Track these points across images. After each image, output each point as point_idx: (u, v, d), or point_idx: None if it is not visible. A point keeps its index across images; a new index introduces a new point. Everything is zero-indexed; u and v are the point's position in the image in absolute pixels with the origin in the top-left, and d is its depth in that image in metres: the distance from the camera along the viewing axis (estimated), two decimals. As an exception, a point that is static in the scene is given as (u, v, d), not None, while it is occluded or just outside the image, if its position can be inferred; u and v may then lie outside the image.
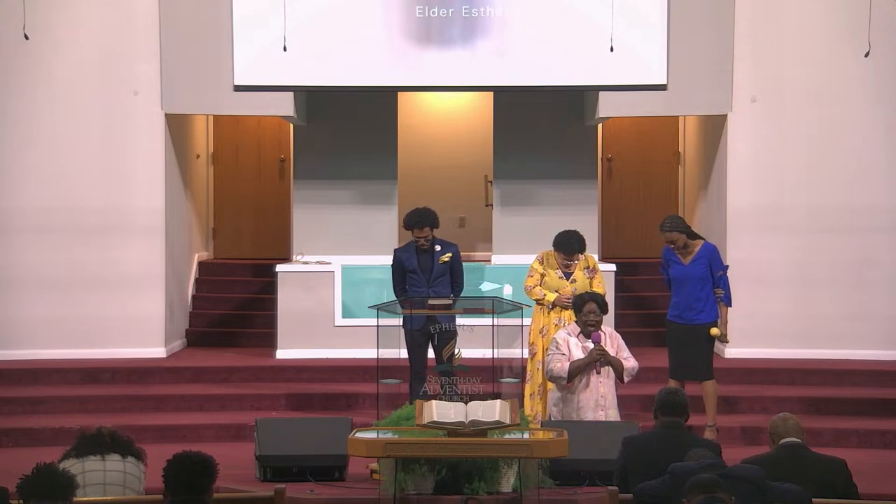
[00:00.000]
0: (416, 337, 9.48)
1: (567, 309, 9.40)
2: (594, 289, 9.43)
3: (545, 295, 9.48)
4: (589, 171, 12.46)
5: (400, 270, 9.73)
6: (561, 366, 8.54)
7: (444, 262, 9.66)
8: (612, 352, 8.63)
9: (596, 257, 11.94)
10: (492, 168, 12.59)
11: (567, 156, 12.35)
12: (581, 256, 9.55)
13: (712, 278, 9.44)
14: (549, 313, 9.50)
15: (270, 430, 8.52)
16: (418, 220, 9.62)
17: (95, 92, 11.40)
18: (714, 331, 9.39)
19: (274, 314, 11.79)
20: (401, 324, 9.41)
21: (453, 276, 9.73)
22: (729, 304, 9.54)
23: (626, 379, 8.68)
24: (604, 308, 8.69)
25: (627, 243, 13.73)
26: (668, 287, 9.68)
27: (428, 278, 9.64)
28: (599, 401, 8.61)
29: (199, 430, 9.88)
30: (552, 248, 9.57)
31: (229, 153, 14.06)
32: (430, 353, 9.54)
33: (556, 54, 11.12)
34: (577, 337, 8.67)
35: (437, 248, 9.68)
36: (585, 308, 8.63)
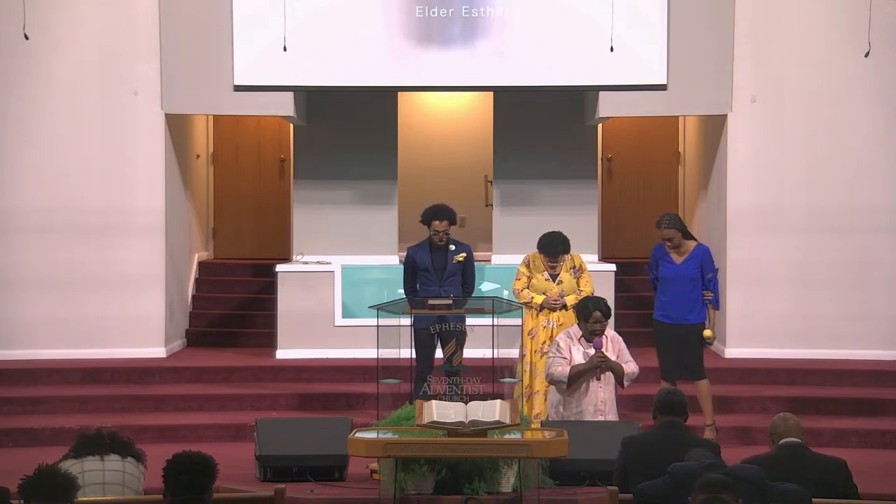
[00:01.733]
0: (422, 337, 9.46)
1: (555, 311, 9.40)
2: (581, 288, 9.43)
3: (533, 298, 9.47)
4: (589, 171, 12.47)
5: (412, 268, 9.72)
6: (562, 370, 8.53)
7: (458, 261, 9.65)
8: (613, 356, 8.61)
9: (596, 257, 11.98)
10: (492, 168, 12.59)
11: (567, 156, 12.35)
12: (566, 257, 9.54)
13: (702, 280, 9.45)
14: (537, 315, 9.48)
15: (270, 430, 8.52)
16: (437, 212, 9.60)
17: (95, 92, 11.40)
18: (708, 332, 9.40)
19: (274, 314, 11.79)
20: (410, 323, 9.36)
21: (465, 276, 9.73)
22: (717, 307, 9.58)
23: (625, 384, 8.68)
24: (607, 315, 8.68)
25: (627, 243, 13.73)
26: (652, 287, 9.69)
27: (440, 277, 9.63)
28: (599, 406, 8.60)
29: (199, 430, 9.88)
30: (537, 251, 9.58)
31: (229, 153, 14.07)
32: (439, 353, 9.51)
33: (556, 54, 11.12)
34: (579, 341, 8.66)
35: (452, 247, 9.67)
36: (592, 317, 8.60)
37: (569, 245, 9.52)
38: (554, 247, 9.46)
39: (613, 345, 8.69)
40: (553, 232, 9.54)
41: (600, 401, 8.60)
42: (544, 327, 9.37)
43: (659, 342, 9.60)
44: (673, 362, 9.47)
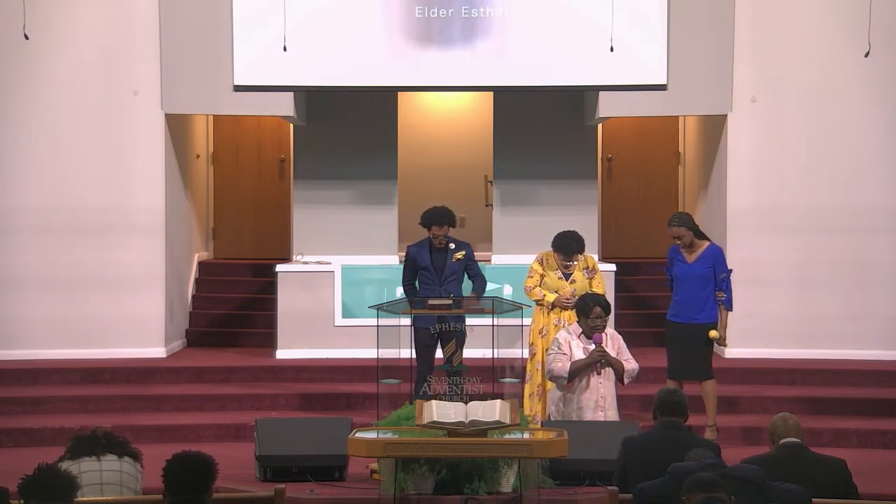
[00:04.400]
0: (422, 337, 9.46)
1: (567, 309, 9.40)
2: (594, 289, 9.42)
3: (545, 295, 9.47)
4: (589, 171, 12.47)
5: (412, 267, 9.71)
6: (562, 366, 8.56)
7: (458, 259, 9.65)
8: (613, 353, 8.64)
9: (596, 257, 11.97)
10: (492, 168, 12.59)
11: (567, 156, 12.35)
12: (580, 257, 9.55)
13: (715, 280, 9.43)
14: (548, 314, 9.49)
15: (270, 430, 8.52)
16: (438, 217, 9.60)
17: (95, 92, 11.40)
18: (713, 333, 9.35)
19: (274, 314, 11.79)
20: (410, 323, 9.36)
21: (472, 274, 9.71)
22: (730, 308, 9.51)
23: (626, 381, 8.70)
24: (608, 311, 8.71)
25: (627, 243, 13.73)
26: (670, 287, 9.68)
27: (440, 277, 9.63)
28: (599, 402, 8.63)
29: (199, 430, 9.87)
30: (551, 249, 9.58)
31: (229, 153, 14.06)
32: (439, 353, 9.51)
33: (556, 54, 11.12)
34: (579, 337, 8.69)
35: (451, 246, 9.67)
36: (593, 313, 8.63)
37: (583, 245, 9.52)
38: (569, 246, 9.46)
39: (613, 342, 8.72)
40: (568, 231, 9.54)
41: (600, 396, 8.62)
42: (556, 325, 9.37)
43: (668, 341, 9.58)
44: (681, 361, 9.45)
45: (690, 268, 9.44)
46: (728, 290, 9.45)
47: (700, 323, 9.38)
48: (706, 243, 9.54)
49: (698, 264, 9.44)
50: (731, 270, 9.59)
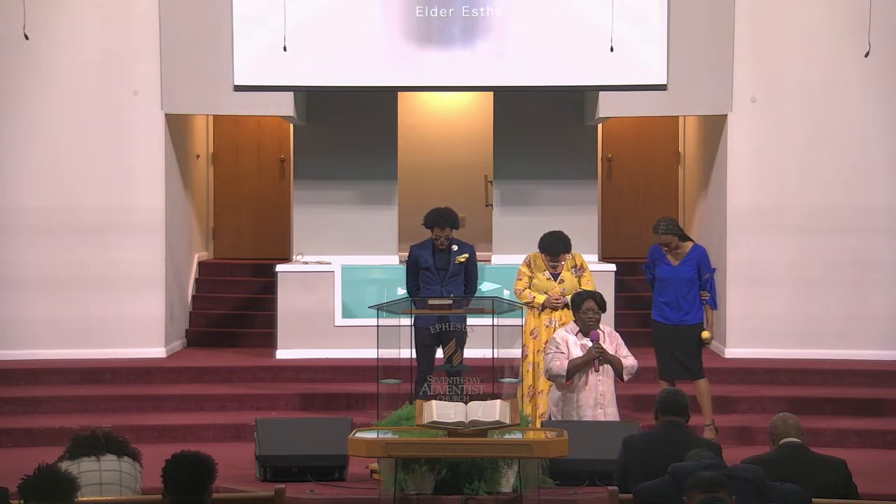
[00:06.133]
0: (424, 336, 9.47)
1: (556, 310, 9.41)
2: (583, 287, 9.43)
3: (534, 297, 9.47)
4: (589, 171, 12.47)
5: (415, 267, 9.72)
6: (560, 364, 8.55)
7: (461, 262, 9.66)
8: (611, 350, 8.64)
9: (595, 257, 11.99)
10: (492, 168, 12.59)
11: (567, 156, 12.35)
12: (567, 256, 9.55)
13: (699, 280, 9.47)
14: (539, 315, 9.49)
15: (270, 430, 8.52)
16: (440, 219, 9.61)
17: (95, 92, 11.40)
18: (706, 334, 9.43)
19: (274, 314, 11.79)
20: (411, 323, 9.37)
21: (468, 276, 9.74)
22: (714, 306, 9.60)
23: (625, 377, 8.68)
24: (602, 306, 8.71)
25: (627, 243, 13.73)
26: (651, 285, 9.71)
27: (443, 277, 9.64)
28: (599, 399, 8.62)
29: (199, 430, 9.88)
30: (538, 250, 9.59)
31: (229, 153, 14.06)
32: (439, 353, 9.51)
33: (556, 54, 11.12)
34: (576, 335, 8.68)
35: (455, 248, 9.68)
36: (584, 306, 8.64)
37: (570, 244, 9.53)
38: (555, 246, 9.47)
39: (610, 339, 8.71)
40: (554, 231, 9.56)
41: (600, 394, 8.61)
42: (546, 327, 9.38)
43: (657, 342, 9.63)
44: (671, 362, 9.50)
45: (676, 270, 9.50)
46: (712, 290, 9.53)
47: (689, 325, 9.44)
48: (690, 244, 9.61)
49: (683, 266, 9.50)
50: (714, 269, 9.65)
